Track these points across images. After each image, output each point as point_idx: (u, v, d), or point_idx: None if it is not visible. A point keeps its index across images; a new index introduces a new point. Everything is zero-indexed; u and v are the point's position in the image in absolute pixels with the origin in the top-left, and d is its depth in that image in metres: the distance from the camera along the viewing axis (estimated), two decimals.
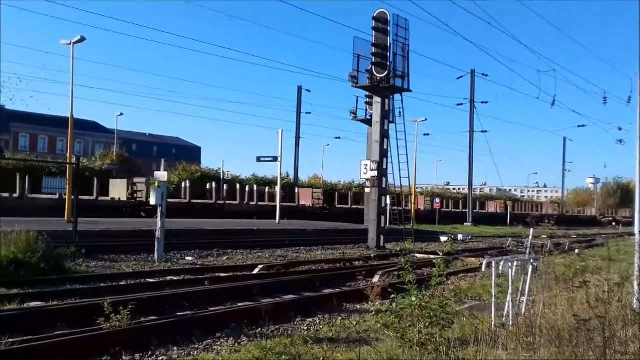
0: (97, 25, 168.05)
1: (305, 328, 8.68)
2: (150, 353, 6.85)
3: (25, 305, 9.15)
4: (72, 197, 21.12)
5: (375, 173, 23.99)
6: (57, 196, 30.96)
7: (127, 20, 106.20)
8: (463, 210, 60.55)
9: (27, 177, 33.35)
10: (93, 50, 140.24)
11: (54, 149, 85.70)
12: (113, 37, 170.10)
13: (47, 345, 6.58)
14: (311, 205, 49.52)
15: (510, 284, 7.08)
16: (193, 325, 8.04)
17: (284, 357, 6.45)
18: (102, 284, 11.70)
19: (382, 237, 24.18)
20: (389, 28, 23.28)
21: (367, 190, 28.93)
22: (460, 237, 32.56)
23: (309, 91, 59.91)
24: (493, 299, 7.05)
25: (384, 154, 24.18)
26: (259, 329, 8.32)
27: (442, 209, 56.02)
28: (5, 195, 32.41)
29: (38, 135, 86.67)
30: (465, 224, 53.14)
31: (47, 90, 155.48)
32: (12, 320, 7.69)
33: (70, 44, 25.00)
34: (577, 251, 17.25)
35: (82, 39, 24.94)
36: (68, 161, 26.67)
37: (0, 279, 10.90)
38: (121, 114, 64.73)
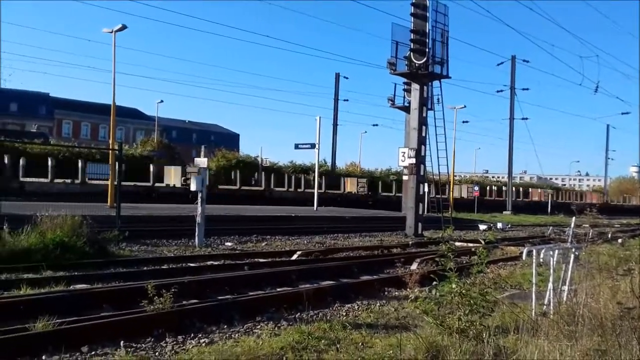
0: (138, 14, 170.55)
1: (344, 314, 8.75)
2: (192, 335, 7.00)
3: (72, 287, 9.41)
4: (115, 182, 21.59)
5: (413, 160, 23.86)
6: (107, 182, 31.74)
7: (168, 9, 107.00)
8: (502, 199, 59.83)
9: (79, 163, 34.41)
10: (134, 38, 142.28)
11: (96, 136, 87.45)
12: (153, 25, 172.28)
13: (94, 326, 6.78)
14: (356, 192, 49.83)
15: (551, 272, 7.01)
16: (233, 308, 8.18)
17: (323, 341, 6.52)
18: (145, 268, 11.97)
19: (420, 224, 24.10)
20: (427, 14, 23.08)
21: (405, 177, 28.82)
22: (499, 225, 32.20)
23: (347, 78, 60.10)
24: (533, 288, 6.99)
25: (422, 141, 24.03)
26: (298, 313, 8.41)
27: (481, 197, 55.46)
28: (67, 181, 33.48)
29: (81, 122, 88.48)
30: (504, 212, 52.53)
31: (90, 77, 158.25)
32: (60, 302, 7.92)
33: (112, 32, 25.39)
34: (620, 240, 16.93)
35: (124, 27, 25.27)
36: (111, 147, 27.18)
37: (47, 262, 11.20)
38: (161, 101, 65.89)
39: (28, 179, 34.05)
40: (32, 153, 38.28)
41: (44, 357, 5.84)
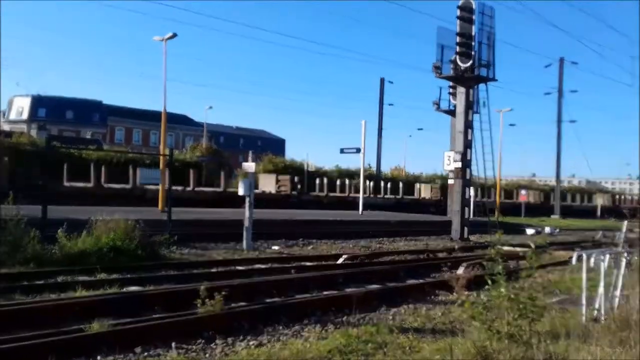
0: (186, 22, 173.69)
1: (391, 317, 8.75)
2: (241, 337, 7.12)
3: (125, 289, 9.68)
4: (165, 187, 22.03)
5: (459, 164, 23.66)
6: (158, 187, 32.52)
7: (216, 16, 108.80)
8: (550, 203, 58.64)
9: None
10: (184, 46, 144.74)
11: (147, 142, 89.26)
12: (202, 32, 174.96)
13: (147, 327, 6.97)
14: (430, 197, 50.26)
15: (602, 277, 6.89)
16: (281, 311, 8.28)
17: (370, 345, 6.56)
18: (195, 271, 12.20)
19: (465, 228, 23.88)
20: (474, 17, 22.88)
21: (450, 181, 28.58)
22: (547, 229, 31.61)
23: (392, 82, 59.65)
24: (584, 293, 6.89)
25: (467, 145, 23.80)
26: (345, 317, 8.45)
27: (528, 201, 54.48)
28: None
29: (133, 128, 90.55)
30: (552, 216, 51.45)
31: (141, 85, 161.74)
32: (114, 304, 8.17)
33: (163, 40, 25.88)
34: None
35: (174, 35, 25.63)
36: (161, 153, 27.76)
37: (101, 264, 11.54)
38: (210, 108, 66.47)
39: (80, 184, 35.17)
40: (87, 159, 39.60)
41: (98, 358, 6.02)
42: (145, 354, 6.28)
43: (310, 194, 43.84)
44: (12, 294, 8.87)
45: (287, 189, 42.79)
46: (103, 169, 36.26)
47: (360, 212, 32.84)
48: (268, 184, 43.09)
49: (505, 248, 18.76)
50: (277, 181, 43.59)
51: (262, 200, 37.93)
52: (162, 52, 25.96)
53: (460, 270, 13.41)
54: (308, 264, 14.12)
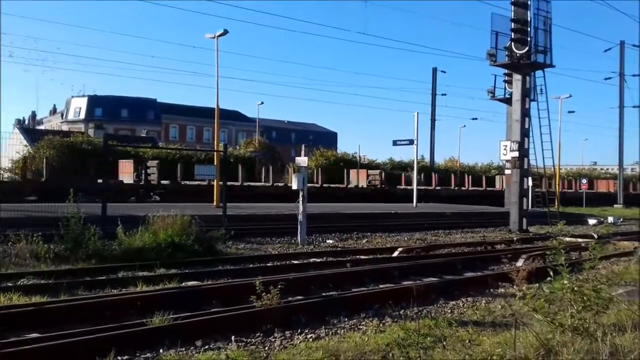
0: (238, 18, 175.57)
1: (449, 311, 8.64)
2: (299, 331, 7.15)
3: (183, 284, 9.84)
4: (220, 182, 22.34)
5: (516, 154, 23.15)
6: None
7: (266, 11, 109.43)
8: (612, 191, 56.86)
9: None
10: (235, 42, 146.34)
11: (200, 139, 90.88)
12: (252, 28, 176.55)
13: (206, 321, 7.07)
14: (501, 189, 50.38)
15: None
16: (338, 305, 8.26)
17: (428, 338, 6.47)
18: (251, 265, 12.32)
19: (524, 220, 23.36)
20: (529, 2, 22.30)
21: (507, 172, 28.02)
22: (610, 219, 30.65)
23: (444, 72, 59.24)
24: None
25: (525, 133, 23.25)
26: (402, 310, 8.39)
27: (589, 190, 52.98)
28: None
29: (186, 125, 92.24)
30: (615, 205, 49.86)
31: (194, 82, 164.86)
32: (173, 298, 8.31)
33: (214, 38, 26.22)
34: None
35: (225, 32, 25.92)
36: (215, 149, 28.16)
37: (160, 260, 11.77)
38: (262, 103, 67.03)
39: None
40: (142, 156, 40.81)
41: (161, 351, 6.14)
42: (206, 346, 6.36)
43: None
44: (75, 289, 9.14)
45: (377, 183, 44.28)
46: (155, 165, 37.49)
47: (414, 204, 32.58)
48: (360, 179, 45.89)
49: (567, 239, 18.28)
50: (368, 176, 45.80)
51: (354, 195, 39.99)
52: (214, 49, 26.36)
53: (520, 262, 13.13)
54: (363, 257, 14.08)
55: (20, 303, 7.88)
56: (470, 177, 53.01)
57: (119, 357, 5.76)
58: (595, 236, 19.25)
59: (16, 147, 39.98)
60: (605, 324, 5.75)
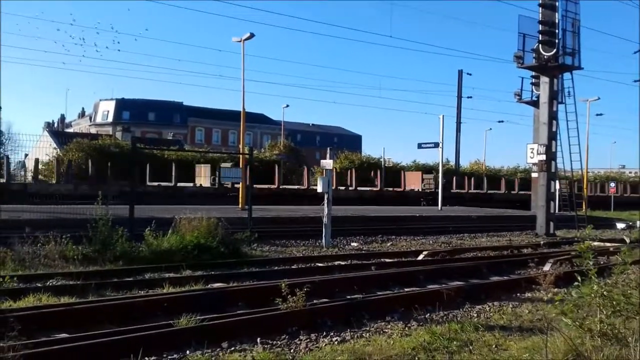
0: (263, 22, 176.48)
1: (475, 315, 8.56)
2: (324, 333, 7.14)
3: (209, 286, 9.89)
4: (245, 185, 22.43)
5: (543, 157, 22.90)
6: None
7: (291, 14, 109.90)
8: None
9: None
10: (260, 45, 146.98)
11: (226, 141, 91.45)
12: (277, 31, 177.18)
13: (232, 323, 7.10)
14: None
15: None
16: (363, 308, 8.24)
17: (455, 342, 6.43)
18: (276, 267, 12.35)
19: (551, 223, 23.07)
20: (557, 3, 22.10)
21: (534, 175, 27.72)
22: (639, 223, 30.13)
23: (470, 74, 58.67)
24: None
25: (552, 136, 22.99)
26: (428, 314, 8.35)
27: (618, 194, 52.16)
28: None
29: (212, 128, 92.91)
30: None
31: (220, 85, 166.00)
32: (199, 300, 8.37)
33: (240, 41, 26.37)
34: None
35: (252, 36, 26.05)
36: (241, 152, 28.32)
37: (186, 262, 11.86)
38: (287, 106, 67.16)
39: (163, 183, 36.74)
40: (168, 159, 41.37)
41: (187, 352, 6.19)
42: (232, 348, 6.39)
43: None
44: (104, 290, 9.26)
45: (432, 186, 44.57)
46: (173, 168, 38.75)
47: (439, 208, 32.40)
48: (414, 182, 46.96)
49: (595, 243, 18.07)
50: (422, 180, 46.68)
51: (409, 197, 41.48)
52: (240, 53, 26.51)
53: (547, 267, 12.98)
54: (388, 260, 14.03)
55: (50, 303, 8.01)
56: (498, 180, 52.58)
57: (146, 358, 5.81)
58: (627, 240, 18.98)
59: (46, 149, 40.63)
60: (635, 329, 5.66)
